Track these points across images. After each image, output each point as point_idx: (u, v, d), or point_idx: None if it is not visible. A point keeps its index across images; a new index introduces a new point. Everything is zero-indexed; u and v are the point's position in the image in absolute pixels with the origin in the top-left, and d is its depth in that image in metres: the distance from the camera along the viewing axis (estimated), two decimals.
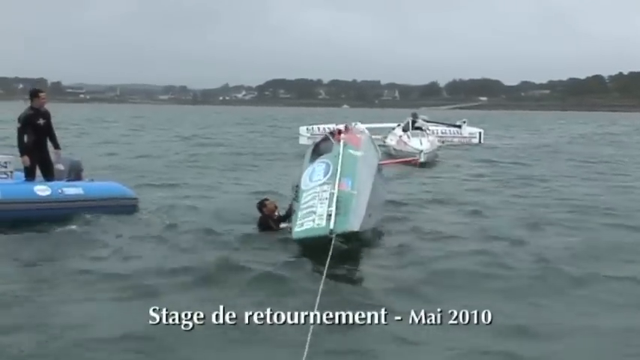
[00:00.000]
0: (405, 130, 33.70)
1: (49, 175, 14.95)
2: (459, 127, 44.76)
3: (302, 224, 10.55)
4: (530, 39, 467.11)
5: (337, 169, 11.64)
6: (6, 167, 14.67)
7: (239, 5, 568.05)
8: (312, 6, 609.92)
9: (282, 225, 12.75)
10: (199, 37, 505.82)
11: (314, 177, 11.79)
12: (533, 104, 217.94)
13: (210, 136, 48.23)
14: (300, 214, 10.94)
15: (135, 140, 42.35)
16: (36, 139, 14.79)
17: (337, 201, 10.68)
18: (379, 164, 14.72)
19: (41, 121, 14.83)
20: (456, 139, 43.12)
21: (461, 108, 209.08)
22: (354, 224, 10.41)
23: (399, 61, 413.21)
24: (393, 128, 36.52)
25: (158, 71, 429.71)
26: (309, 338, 7.00)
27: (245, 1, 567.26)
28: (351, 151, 12.70)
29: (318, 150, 13.65)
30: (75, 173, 15.66)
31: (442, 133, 43.16)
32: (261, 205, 13.14)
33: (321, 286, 8.45)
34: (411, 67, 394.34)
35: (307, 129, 42.69)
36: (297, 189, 12.15)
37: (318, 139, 15.26)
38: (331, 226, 10.16)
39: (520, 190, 20.56)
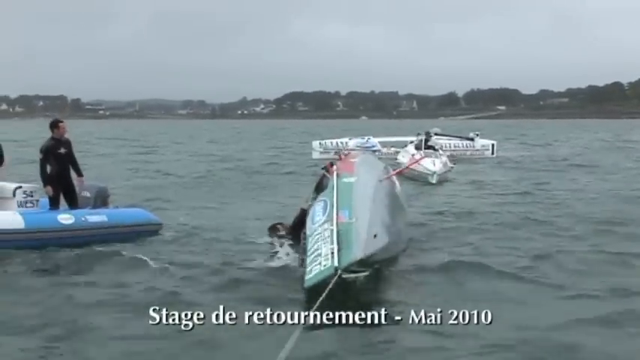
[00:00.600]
0: (417, 148, 33.81)
1: (73, 203, 15.14)
2: (472, 139, 44.68)
3: (311, 271, 10.17)
4: (548, 47, 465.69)
5: (334, 203, 11.53)
6: (32, 196, 14.86)
7: (257, 20, 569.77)
8: (330, 19, 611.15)
9: None
10: (218, 51, 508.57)
11: (315, 218, 11.57)
12: (553, 112, 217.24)
13: (229, 153, 48.33)
14: (308, 260, 10.63)
15: (154, 159, 42.13)
16: (58, 169, 14.98)
17: (338, 235, 10.50)
18: (383, 179, 14.35)
19: (62, 151, 15.04)
20: (468, 152, 43.11)
21: (479, 118, 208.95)
22: (357, 253, 10.21)
23: (416, 72, 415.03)
24: (406, 145, 36.57)
25: (176, 86, 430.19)
26: (295, 336, 7.13)
27: (264, 15, 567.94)
28: (345, 179, 12.57)
29: (320, 187, 13.58)
30: (101, 200, 15.83)
31: (455, 146, 43.28)
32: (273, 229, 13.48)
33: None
34: (429, 77, 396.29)
35: (320, 144, 42.97)
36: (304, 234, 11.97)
37: (320, 174, 15.10)
38: (335, 263, 9.88)
39: (536, 204, 20.51)
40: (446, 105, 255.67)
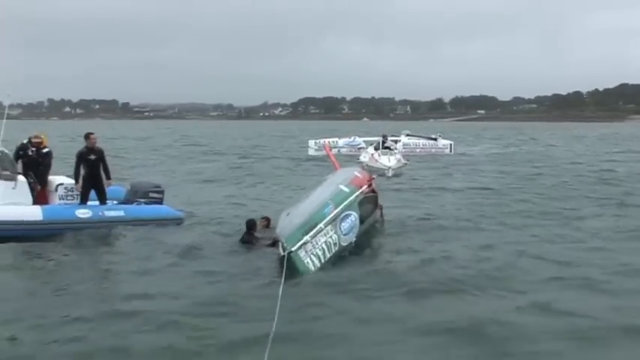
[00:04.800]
0: (376, 148, 34.86)
1: (102, 200, 15.24)
2: (435, 139, 45.89)
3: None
4: (521, 61, 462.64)
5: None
6: (72, 192, 15.06)
7: (281, 38, 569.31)
8: (340, 38, 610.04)
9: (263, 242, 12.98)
10: (245, 62, 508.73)
11: None
12: (524, 116, 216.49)
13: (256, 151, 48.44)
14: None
15: (191, 158, 41.19)
16: (88, 171, 15.09)
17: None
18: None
19: (92, 157, 15.12)
20: (433, 150, 44.30)
21: (462, 120, 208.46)
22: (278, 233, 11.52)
23: (410, 81, 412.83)
24: (366, 147, 37.40)
25: (210, 91, 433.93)
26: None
27: (287, 34, 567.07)
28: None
29: None
30: (140, 194, 15.89)
31: (423, 144, 44.94)
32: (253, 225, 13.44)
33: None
34: (421, 85, 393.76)
35: (315, 142, 43.49)
36: None
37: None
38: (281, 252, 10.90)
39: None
40: (434, 109, 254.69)
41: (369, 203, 14.63)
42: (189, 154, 45.18)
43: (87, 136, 15.55)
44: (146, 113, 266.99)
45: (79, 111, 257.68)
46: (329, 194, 12.95)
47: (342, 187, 13.54)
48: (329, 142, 42.97)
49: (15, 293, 9.99)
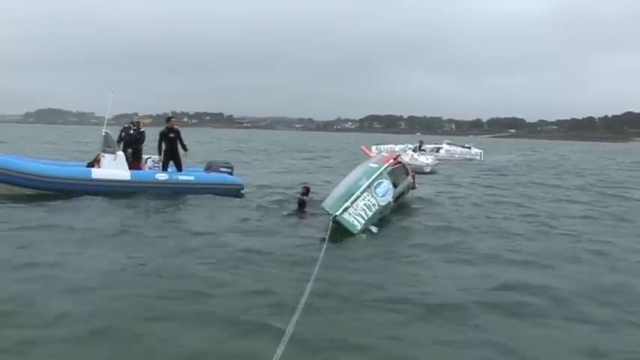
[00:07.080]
0: (414, 151, 34.89)
1: (178, 168, 15.30)
2: (470, 148, 45.81)
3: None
4: (546, 91, 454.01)
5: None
6: (158, 163, 15.36)
7: (354, 68, 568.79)
8: (399, 68, 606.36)
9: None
10: (326, 85, 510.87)
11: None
12: (546, 135, 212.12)
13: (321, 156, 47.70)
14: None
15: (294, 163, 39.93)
16: (168, 146, 15.33)
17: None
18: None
19: (172, 135, 15.36)
20: (467, 156, 44.25)
21: (496, 137, 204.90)
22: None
23: (455, 103, 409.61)
24: (406, 150, 37.80)
25: (295, 107, 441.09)
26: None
27: (359, 65, 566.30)
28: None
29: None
30: (213, 169, 15.75)
31: (460, 152, 44.68)
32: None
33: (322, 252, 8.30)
34: (464, 107, 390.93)
35: (376, 147, 41.66)
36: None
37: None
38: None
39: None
40: (474, 127, 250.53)
41: (399, 172, 14.46)
42: (270, 154, 45.09)
43: (168, 120, 15.90)
44: (245, 124, 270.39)
45: (193, 121, 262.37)
46: (362, 172, 12.98)
47: (371, 164, 13.60)
48: (388, 147, 42.62)
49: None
